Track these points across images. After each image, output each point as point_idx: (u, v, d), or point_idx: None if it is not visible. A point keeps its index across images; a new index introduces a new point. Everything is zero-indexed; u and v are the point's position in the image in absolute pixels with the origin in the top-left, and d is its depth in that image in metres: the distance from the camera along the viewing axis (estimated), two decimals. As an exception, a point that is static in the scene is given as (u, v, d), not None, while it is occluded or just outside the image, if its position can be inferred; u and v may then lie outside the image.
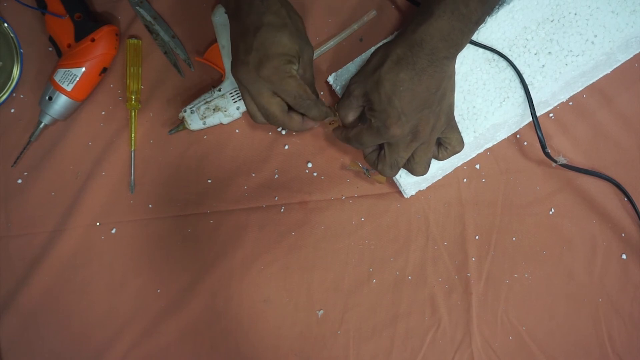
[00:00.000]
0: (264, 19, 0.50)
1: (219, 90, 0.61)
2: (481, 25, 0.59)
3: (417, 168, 0.56)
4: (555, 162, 0.62)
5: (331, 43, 0.63)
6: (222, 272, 0.63)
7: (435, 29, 0.49)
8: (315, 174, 0.64)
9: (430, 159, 0.56)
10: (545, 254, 0.65)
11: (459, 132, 0.57)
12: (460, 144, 0.57)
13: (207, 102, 0.60)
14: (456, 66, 0.59)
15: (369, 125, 0.53)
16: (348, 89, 0.55)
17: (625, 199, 0.65)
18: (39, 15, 0.62)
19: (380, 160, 0.56)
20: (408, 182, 0.60)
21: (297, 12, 0.54)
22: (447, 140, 0.57)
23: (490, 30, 0.59)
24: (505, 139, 0.64)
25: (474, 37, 0.60)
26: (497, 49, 0.60)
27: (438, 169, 0.60)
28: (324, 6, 0.64)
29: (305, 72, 0.54)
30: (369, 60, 0.54)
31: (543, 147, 0.61)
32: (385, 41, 0.60)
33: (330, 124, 0.58)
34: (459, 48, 0.52)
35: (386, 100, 0.51)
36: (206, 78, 0.64)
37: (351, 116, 0.56)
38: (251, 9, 0.51)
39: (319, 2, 0.65)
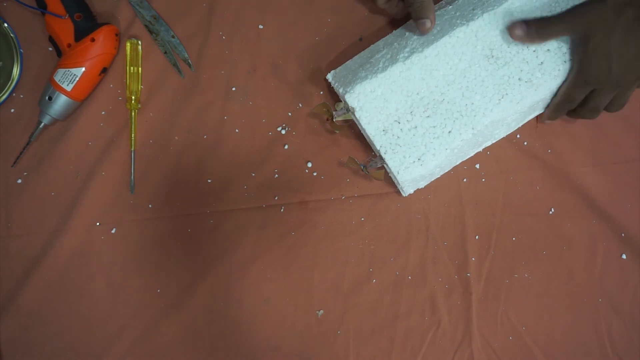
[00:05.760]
0: None
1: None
2: (480, 22, 0.59)
3: (610, 108, 0.59)
4: None
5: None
6: (222, 272, 0.63)
7: None
8: (315, 174, 0.64)
9: (625, 103, 0.59)
10: (545, 254, 0.65)
11: None
12: None
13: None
14: (454, 62, 0.59)
15: (575, 78, 0.56)
16: (549, 20, 0.56)
17: (625, 200, 0.65)
18: (39, 15, 0.62)
19: (581, 104, 0.59)
20: (406, 180, 0.59)
21: None
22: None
23: (488, 27, 0.59)
24: (505, 138, 0.64)
25: (469, 34, 0.59)
26: (496, 46, 0.59)
27: (436, 166, 0.60)
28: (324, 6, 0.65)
29: None
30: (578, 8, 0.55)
31: None
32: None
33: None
34: None
35: (603, 56, 0.54)
36: (206, 78, 0.64)
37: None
38: None
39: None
